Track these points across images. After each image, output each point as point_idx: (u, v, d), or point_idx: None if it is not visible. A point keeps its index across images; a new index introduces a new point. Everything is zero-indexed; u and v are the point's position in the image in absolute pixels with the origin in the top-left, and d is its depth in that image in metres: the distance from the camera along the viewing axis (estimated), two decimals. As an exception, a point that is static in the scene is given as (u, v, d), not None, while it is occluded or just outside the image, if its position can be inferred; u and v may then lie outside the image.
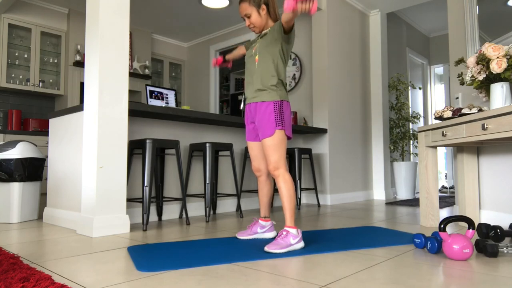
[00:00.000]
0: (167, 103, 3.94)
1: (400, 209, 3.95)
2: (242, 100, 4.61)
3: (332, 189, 4.53)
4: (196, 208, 3.53)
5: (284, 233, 2.04)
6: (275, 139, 2.15)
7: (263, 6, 2.23)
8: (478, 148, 2.92)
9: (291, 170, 4.42)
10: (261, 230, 2.37)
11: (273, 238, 2.31)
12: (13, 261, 1.71)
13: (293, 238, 2.02)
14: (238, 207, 3.38)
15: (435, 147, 2.86)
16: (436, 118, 2.68)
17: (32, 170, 3.20)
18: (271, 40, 2.20)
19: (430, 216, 2.86)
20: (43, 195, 4.48)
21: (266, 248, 1.98)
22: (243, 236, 2.36)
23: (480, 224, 2.15)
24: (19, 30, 5.09)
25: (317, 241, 2.26)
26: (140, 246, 2.11)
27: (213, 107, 6.51)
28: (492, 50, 2.27)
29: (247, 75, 2.30)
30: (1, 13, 4.82)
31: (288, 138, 2.23)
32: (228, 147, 3.35)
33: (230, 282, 1.48)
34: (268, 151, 2.16)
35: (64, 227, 2.86)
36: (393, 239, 2.29)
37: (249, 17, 2.25)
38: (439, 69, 7.13)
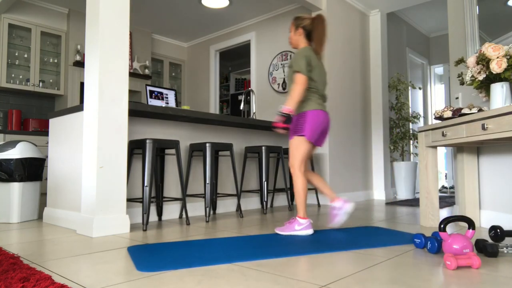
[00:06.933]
0: (167, 103, 3.94)
1: (400, 209, 3.95)
2: (242, 100, 4.60)
3: (332, 189, 4.53)
4: (196, 208, 3.53)
5: (292, 220, 2.54)
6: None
7: (300, 30, 2.63)
8: (478, 148, 2.92)
9: (291, 170, 4.41)
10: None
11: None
12: (13, 261, 1.71)
13: (298, 225, 2.47)
14: (238, 207, 3.38)
15: (435, 147, 2.86)
16: (436, 118, 2.68)
17: (32, 170, 3.19)
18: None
19: (430, 216, 2.86)
20: (43, 195, 4.48)
21: (275, 230, 2.56)
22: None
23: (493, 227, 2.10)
24: (19, 30, 5.09)
25: (317, 241, 2.26)
26: (140, 246, 2.11)
27: (213, 107, 6.51)
28: (492, 50, 2.27)
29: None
30: (1, 13, 4.82)
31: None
32: (228, 147, 3.35)
33: (230, 282, 1.48)
34: None
35: (64, 227, 2.86)
36: (393, 239, 2.29)
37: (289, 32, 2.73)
38: (439, 69, 7.13)
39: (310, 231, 2.48)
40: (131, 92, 6.10)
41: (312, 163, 4.20)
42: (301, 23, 2.62)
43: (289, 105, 2.43)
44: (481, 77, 2.37)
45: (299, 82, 2.44)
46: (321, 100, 2.58)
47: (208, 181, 3.11)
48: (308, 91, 2.53)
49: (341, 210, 2.60)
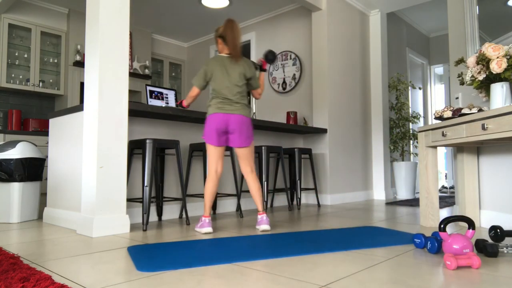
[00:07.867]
0: (167, 103, 3.94)
1: (400, 209, 3.95)
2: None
3: (332, 189, 4.53)
4: (196, 208, 3.53)
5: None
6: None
7: (218, 40, 2.79)
8: (478, 148, 2.92)
9: (291, 170, 4.42)
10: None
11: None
12: (13, 261, 1.71)
13: (198, 223, 2.64)
14: (238, 207, 3.38)
15: (435, 147, 2.86)
16: (436, 118, 2.68)
17: (32, 170, 3.19)
18: None
19: (430, 216, 2.86)
20: (43, 195, 4.48)
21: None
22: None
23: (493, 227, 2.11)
24: (19, 30, 5.09)
25: (317, 241, 2.26)
26: (140, 246, 2.11)
27: (213, 107, 6.50)
28: (492, 50, 2.27)
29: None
30: (1, 13, 4.82)
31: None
32: (228, 147, 3.34)
33: (230, 282, 1.48)
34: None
35: (64, 227, 2.86)
36: (393, 239, 2.29)
37: None
38: (439, 69, 7.13)
39: (205, 230, 2.54)
40: (131, 92, 6.10)
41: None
42: (216, 33, 2.79)
43: (185, 101, 2.90)
44: (481, 77, 2.37)
45: (190, 92, 2.78)
46: (221, 104, 2.67)
47: (208, 181, 3.11)
48: (210, 98, 2.74)
49: (203, 223, 2.59)
